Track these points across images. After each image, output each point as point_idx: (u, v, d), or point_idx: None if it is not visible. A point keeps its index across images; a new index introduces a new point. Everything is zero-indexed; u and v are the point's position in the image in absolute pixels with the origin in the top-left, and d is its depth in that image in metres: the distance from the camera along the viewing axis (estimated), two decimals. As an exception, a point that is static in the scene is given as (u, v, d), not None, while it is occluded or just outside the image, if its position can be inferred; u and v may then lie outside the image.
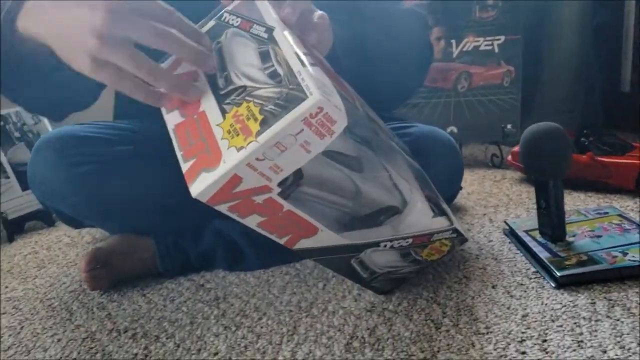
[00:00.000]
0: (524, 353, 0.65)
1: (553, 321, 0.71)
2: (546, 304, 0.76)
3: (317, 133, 0.53)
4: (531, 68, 1.74)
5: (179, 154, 0.58)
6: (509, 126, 1.66)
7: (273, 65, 0.57)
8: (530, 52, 1.72)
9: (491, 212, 1.19)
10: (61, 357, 0.75)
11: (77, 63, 0.59)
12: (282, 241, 0.66)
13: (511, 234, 1.02)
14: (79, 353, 0.76)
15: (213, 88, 0.60)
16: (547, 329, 0.69)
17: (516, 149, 1.45)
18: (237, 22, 0.64)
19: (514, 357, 0.64)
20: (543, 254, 0.88)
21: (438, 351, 0.67)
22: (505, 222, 1.06)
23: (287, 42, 0.58)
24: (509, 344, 0.67)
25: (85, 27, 0.55)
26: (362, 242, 0.71)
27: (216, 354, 0.72)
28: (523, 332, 0.69)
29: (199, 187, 0.54)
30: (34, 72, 0.70)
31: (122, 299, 0.92)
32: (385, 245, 0.73)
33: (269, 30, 0.61)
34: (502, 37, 1.67)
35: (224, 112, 0.57)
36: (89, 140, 0.95)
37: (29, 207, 1.47)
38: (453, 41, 1.72)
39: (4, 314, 0.92)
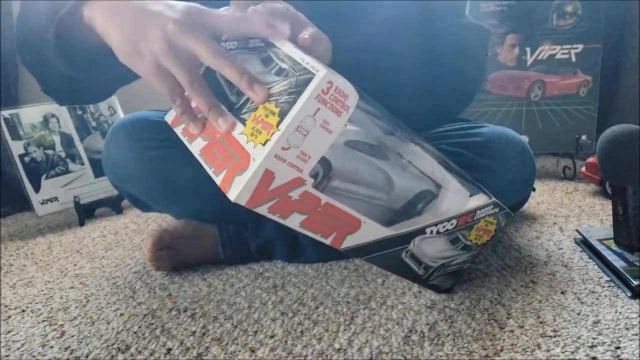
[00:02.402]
0: (594, 358, 0.61)
1: (628, 329, 0.67)
2: (620, 312, 0.71)
3: (333, 110, 0.54)
4: (609, 78, 1.67)
5: (210, 172, 0.59)
6: (583, 137, 1.59)
7: (277, 64, 0.58)
8: (609, 62, 1.65)
9: (562, 221, 1.14)
10: (123, 330, 0.77)
11: (138, 66, 0.60)
12: (328, 241, 0.65)
13: (583, 243, 0.97)
14: (139, 327, 0.77)
15: (228, 106, 0.61)
16: (620, 337, 0.65)
17: (591, 159, 1.39)
18: (233, 44, 0.65)
19: (583, 362, 0.61)
20: (618, 263, 0.83)
21: (501, 350, 0.64)
22: (577, 230, 1.01)
23: (284, 42, 0.60)
24: (579, 348, 0.63)
25: (157, 31, 0.56)
26: (407, 230, 0.70)
27: (272, 336, 0.72)
28: (594, 338, 0.65)
29: (235, 191, 0.54)
30: (76, 56, 0.68)
31: (183, 281, 0.94)
32: (431, 231, 0.71)
33: (262, 40, 0.63)
34: (581, 46, 1.61)
35: (243, 122, 0.58)
36: (161, 125, 0.98)
37: (100, 193, 1.52)
38: (528, 49, 1.68)
39: (71, 288, 0.95)
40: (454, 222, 0.72)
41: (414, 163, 0.71)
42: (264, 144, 0.54)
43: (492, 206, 0.74)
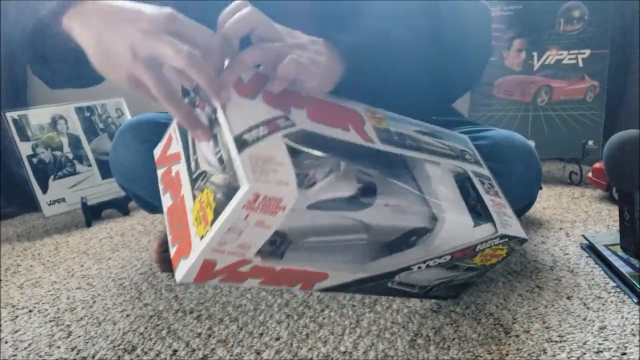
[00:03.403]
0: (600, 364, 0.61)
1: (634, 335, 0.67)
2: (626, 318, 0.71)
3: (267, 212, 0.51)
4: (616, 84, 1.66)
5: (169, 237, 0.60)
6: (590, 142, 1.59)
7: (220, 150, 0.55)
8: (616, 67, 1.65)
9: (568, 226, 1.14)
10: (129, 331, 0.77)
11: (114, 77, 0.59)
12: (295, 289, 0.64)
13: (590, 248, 0.97)
14: (145, 328, 0.78)
15: (189, 171, 0.60)
16: (627, 343, 0.65)
17: (598, 165, 1.39)
18: (197, 100, 0.61)
19: (589, 367, 0.61)
20: (625, 269, 0.83)
21: (507, 354, 0.64)
22: (583, 236, 1.01)
23: (225, 123, 0.55)
24: (585, 354, 0.63)
25: (124, 43, 0.55)
26: (387, 271, 0.67)
27: (278, 339, 0.72)
28: (600, 344, 0.65)
29: (180, 273, 0.55)
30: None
31: (189, 283, 0.94)
32: (419, 267, 0.68)
33: (214, 111, 0.57)
34: (588, 51, 1.61)
35: (194, 197, 0.57)
36: (168, 127, 0.99)
37: (107, 195, 1.53)
38: (535, 54, 1.68)
39: (78, 288, 0.96)
40: (448, 257, 0.68)
41: (422, 189, 0.65)
42: (201, 238, 0.53)
43: (498, 239, 0.68)
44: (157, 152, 0.70)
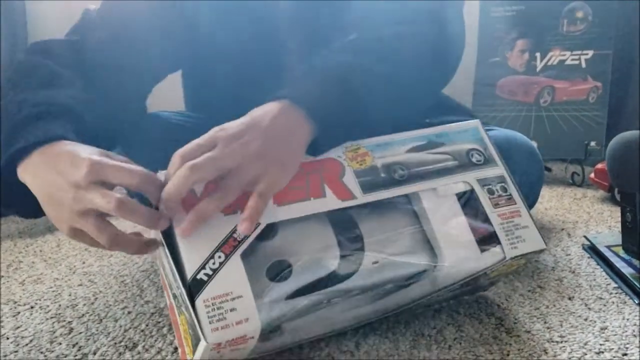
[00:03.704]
0: (601, 364, 0.61)
1: (635, 336, 0.67)
2: (628, 319, 0.71)
3: (236, 345, 0.52)
4: (619, 85, 1.66)
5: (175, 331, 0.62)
6: (592, 143, 1.59)
7: (179, 290, 0.54)
8: (619, 68, 1.64)
9: (570, 227, 1.14)
10: (130, 328, 0.77)
11: (60, 227, 0.59)
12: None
13: (591, 249, 0.97)
14: (147, 325, 0.78)
15: (169, 286, 0.59)
16: (628, 344, 0.65)
17: (600, 166, 1.39)
18: None
19: (590, 368, 0.61)
20: (626, 270, 0.83)
21: (508, 354, 0.64)
22: (585, 237, 1.01)
23: (174, 268, 0.54)
24: (586, 354, 0.63)
25: (63, 201, 0.56)
26: (392, 310, 0.67)
27: (279, 337, 0.72)
28: (601, 344, 0.65)
29: None
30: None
31: None
32: (428, 299, 0.67)
33: (162, 246, 0.57)
34: (591, 52, 1.61)
35: (179, 314, 0.57)
36: (175, 126, 1.00)
37: (109, 192, 1.53)
38: (538, 54, 1.68)
39: (80, 285, 0.96)
40: (457, 290, 0.66)
41: (421, 220, 0.64)
42: (188, 357, 0.55)
43: (510, 260, 0.64)
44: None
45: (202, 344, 0.49)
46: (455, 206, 0.66)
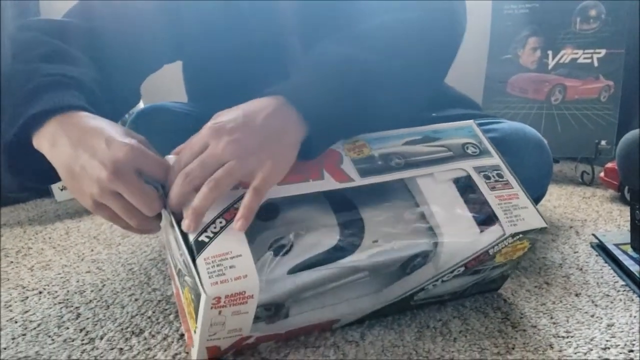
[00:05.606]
0: (607, 360, 0.61)
1: (642, 333, 0.67)
2: (634, 316, 0.71)
3: (236, 304, 0.53)
4: (631, 84, 1.65)
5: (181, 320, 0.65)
6: (603, 142, 1.58)
7: (183, 253, 0.56)
8: (632, 68, 1.63)
9: (578, 225, 1.13)
10: (137, 314, 0.78)
11: (80, 199, 0.60)
12: (316, 330, 0.68)
13: (599, 247, 0.96)
14: (153, 312, 0.78)
15: (175, 266, 0.63)
16: (634, 340, 0.65)
17: (610, 165, 1.38)
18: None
19: (596, 363, 0.61)
20: (634, 268, 0.82)
21: (513, 348, 0.64)
22: (593, 234, 1.01)
23: (178, 233, 0.56)
24: (591, 350, 0.63)
25: (92, 177, 0.56)
26: (399, 297, 0.68)
27: (285, 326, 0.72)
28: (607, 341, 0.65)
29: (193, 356, 0.60)
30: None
31: None
32: (434, 285, 0.68)
33: (168, 215, 0.59)
34: (603, 51, 1.60)
35: (183, 289, 0.59)
36: (181, 116, 1.00)
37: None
38: (550, 52, 1.67)
39: (88, 272, 0.97)
40: (462, 268, 0.67)
41: (425, 212, 0.65)
42: (194, 332, 0.57)
43: (510, 237, 0.66)
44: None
45: (203, 297, 0.51)
46: (453, 189, 0.68)
